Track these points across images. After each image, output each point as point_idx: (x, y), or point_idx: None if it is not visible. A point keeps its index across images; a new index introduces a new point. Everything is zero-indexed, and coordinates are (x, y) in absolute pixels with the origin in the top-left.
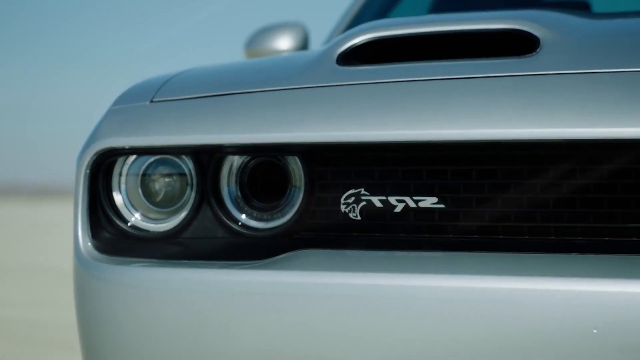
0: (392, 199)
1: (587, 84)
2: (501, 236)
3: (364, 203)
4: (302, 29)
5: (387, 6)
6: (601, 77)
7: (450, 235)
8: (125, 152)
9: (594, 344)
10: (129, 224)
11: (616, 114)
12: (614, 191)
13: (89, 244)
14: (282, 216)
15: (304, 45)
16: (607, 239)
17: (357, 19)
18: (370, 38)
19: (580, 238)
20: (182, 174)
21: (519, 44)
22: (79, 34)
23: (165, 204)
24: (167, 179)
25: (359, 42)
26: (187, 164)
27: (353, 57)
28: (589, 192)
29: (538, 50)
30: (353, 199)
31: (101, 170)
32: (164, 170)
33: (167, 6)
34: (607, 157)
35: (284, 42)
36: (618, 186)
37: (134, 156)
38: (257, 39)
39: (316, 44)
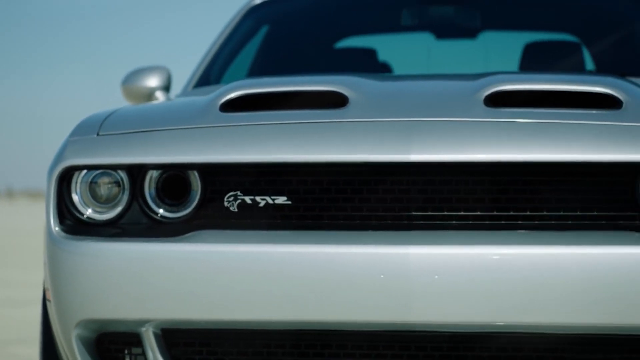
0: (258, 198)
1: (381, 127)
2: (327, 221)
3: (239, 201)
4: (166, 70)
5: (224, 65)
6: (390, 123)
7: (294, 221)
8: (80, 168)
9: (432, 290)
10: (84, 216)
11: (397, 145)
12: (394, 192)
13: (57, 228)
14: (186, 209)
15: (168, 83)
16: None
17: (207, 70)
18: (242, 94)
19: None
20: (117, 182)
21: (336, 100)
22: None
23: (107, 202)
24: (108, 186)
25: (234, 96)
26: (122, 176)
27: (229, 106)
28: (364, 192)
29: (348, 105)
30: (232, 198)
31: (64, 180)
32: (106, 179)
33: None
34: (393, 174)
35: (153, 81)
36: (396, 190)
37: (85, 171)
38: (131, 78)
39: (176, 82)
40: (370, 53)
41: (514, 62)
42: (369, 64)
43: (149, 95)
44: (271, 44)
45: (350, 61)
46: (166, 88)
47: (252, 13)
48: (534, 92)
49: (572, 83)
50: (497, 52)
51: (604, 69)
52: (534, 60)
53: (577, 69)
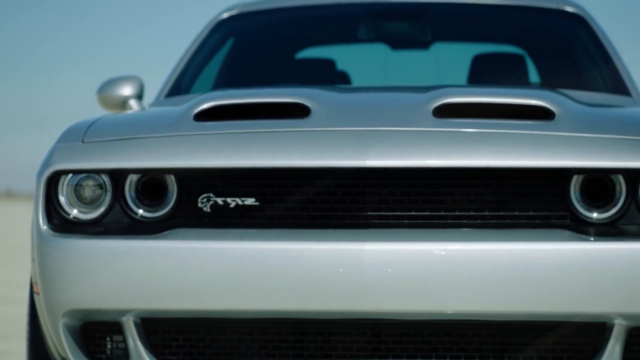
0: (229, 199)
1: (340, 136)
2: (291, 220)
3: (212, 202)
4: (139, 79)
5: (194, 76)
6: (349, 132)
7: (261, 220)
8: (67, 172)
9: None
10: (70, 215)
11: (354, 152)
12: (352, 194)
13: (45, 226)
14: (163, 209)
15: (141, 91)
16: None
17: (178, 81)
18: (214, 105)
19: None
20: (100, 185)
21: (300, 111)
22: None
23: (91, 203)
24: (92, 188)
25: (207, 107)
26: (104, 179)
27: (203, 115)
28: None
29: (310, 115)
30: (206, 199)
31: (52, 183)
32: (90, 183)
33: None
34: (352, 178)
35: (126, 90)
36: (353, 193)
37: (71, 174)
38: (106, 86)
39: (149, 90)
40: (330, 63)
41: (464, 72)
42: (328, 74)
43: (123, 103)
44: (236, 55)
45: (310, 71)
46: (139, 96)
47: (219, 27)
48: (476, 104)
49: (511, 96)
50: (449, 63)
51: (547, 80)
52: (482, 71)
53: (522, 80)
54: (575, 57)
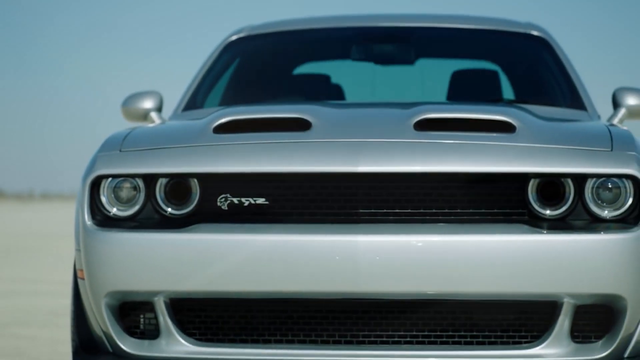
0: (243, 199)
1: (337, 146)
2: (295, 216)
3: (229, 201)
4: (158, 94)
5: (207, 92)
6: (344, 142)
7: (270, 216)
8: (107, 176)
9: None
10: (110, 213)
11: (348, 159)
12: (346, 195)
13: (90, 222)
14: (188, 207)
15: (160, 104)
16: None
17: (193, 96)
18: (230, 119)
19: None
20: (135, 187)
21: (303, 125)
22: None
23: (127, 202)
24: (128, 190)
25: (224, 121)
26: (138, 182)
27: (220, 128)
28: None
29: (311, 128)
30: (224, 199)
31: (95, 186)
32: (127, 185)
33: None
34: (346, 181)
35: (147, 103)
36: (348, 194)
37: (111, 178)
38: (129, 100)
39: (168, 104)
40: (325, 78)
41: (445, 85)
42: (324, 88)
43: (145, 115)
44: (241, 72)
45: (308, 85)
46: (159, 109)
47: (228, 48)
48: (450, 119)
49: (479, 112)
50: (431, 77)
51: (518, 94)
52: (460, 85)
53: (495, 94)
54: (540, 75)
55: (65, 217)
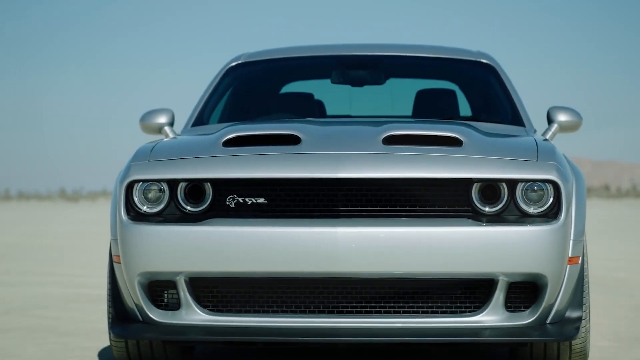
0: (247, 199)
1: (321, 157)
2: (289, 212)
3: (236, 200)
4: (171, 111)
5: (211, 110)
6: (327, 154)
7: (269, 212)
8: (139, 181)
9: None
10: (141, 210)
11: (331, 167)
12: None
13: (125, 217)
14: (203, 205)
15: (172, 120)
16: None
17: (200, 114)
18: (237, 135)
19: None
20: (161, 190)
21: (294, 140)
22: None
23: (154, 202)
24: (155, 192)
25: (232, 136)
26: (163, 186)
27: (229, 142)
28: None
29: (301, 143)
30: (231, 199)
31: (129, 188)
32: (154, 188)
33: None
34: (329, 185)
35: (162, 119)
36: (335, 196)
37: (142, 182)
38: (146, 116)
39: (179, 119)
40: (309, 96)
41: (410, 103)
42: (309, 104)
43: (159, 129)
44: (238, 93)
45: (295, 103)
46: (171, 124)
47: (230, 72)
48: (411, 135)
49: (434, 130)
50: (399, 95)
51: (472, 110)
52: (423, 102)
53: (453, 109)
54: (488, 95)
55: (44, 218)
